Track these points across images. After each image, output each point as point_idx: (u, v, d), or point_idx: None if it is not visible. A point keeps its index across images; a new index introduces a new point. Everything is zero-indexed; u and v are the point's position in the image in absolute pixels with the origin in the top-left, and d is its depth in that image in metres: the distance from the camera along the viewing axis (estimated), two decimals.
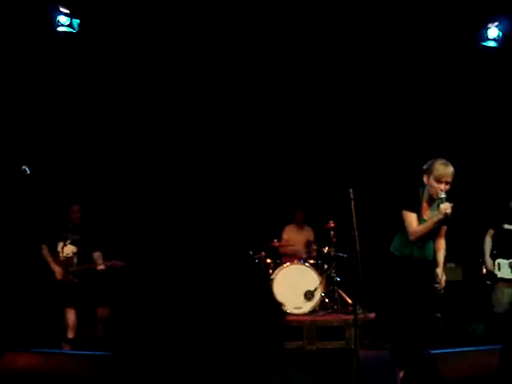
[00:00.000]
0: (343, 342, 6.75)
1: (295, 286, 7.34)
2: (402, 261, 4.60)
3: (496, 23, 7.75)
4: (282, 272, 7.43)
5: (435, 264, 4.66)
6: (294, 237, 8.32)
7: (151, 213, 7.98)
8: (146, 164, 8.14)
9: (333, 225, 7.77)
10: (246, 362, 5.00)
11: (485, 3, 7.52)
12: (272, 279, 7.40)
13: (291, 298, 7.32)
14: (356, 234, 5.02)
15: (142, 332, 6.57)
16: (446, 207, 4.26)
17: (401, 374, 4.62)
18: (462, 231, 7.96)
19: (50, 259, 6.32)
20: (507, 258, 6.14)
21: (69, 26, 7.28)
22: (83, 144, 7.97)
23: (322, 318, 7.18)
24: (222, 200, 8.18)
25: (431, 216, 4.46)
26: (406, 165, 5.10)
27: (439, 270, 4.62)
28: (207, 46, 7.81)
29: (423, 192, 4.54)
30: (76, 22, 7.32)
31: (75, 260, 6.33)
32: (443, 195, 4.33)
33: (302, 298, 7.32)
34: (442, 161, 4.42)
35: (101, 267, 6.22)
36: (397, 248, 4.67)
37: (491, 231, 6.38)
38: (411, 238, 4.49)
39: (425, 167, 4.49)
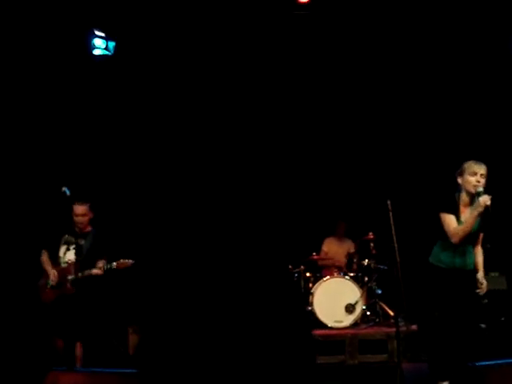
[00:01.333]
0: (386, 355, 6.65)
1: (336, 300, 7.27)
2: (443, 271, 4.57)
3: None
4: (322, 285, 7.38)
5: (476, 271, 4.61)
6: (334, 249, 8.28)
7: (179, 220, 8.00)
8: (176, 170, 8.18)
9: (372, 236, 7.71)
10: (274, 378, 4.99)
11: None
12: (312, 293, 7.36)
13: (332, 312, 7.25)
14: (396, 245, 4.97)
15: (171, 347, 6.55)
16: (486, 199, 4.29)
17: None
18: (506, 240, 7.85)
19: (47, 265, 5.79)
20: None
21: (105, 48, 7.45)
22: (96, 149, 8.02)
23: (363, 331, 7.09)
24: (263, 212, 8.19)
25: (471, 212, 4.44)
26: (441, 173, 5.06)
27: (480, 275, 4.59)
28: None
29: (459, 197, 4.56)
30: (112, 44, 7.48)
31: (76, 267, 5.61)
32: (481, 189, 4.39)
33: (343, 311, 7.24)
34: (474, 161, 4.51)
35: (96, 271, 5.62)
36: (437, 258, 4.65)
37: None
38: (453, 240, 4.47)
39: (458, 171, 4.57)
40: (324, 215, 8.42)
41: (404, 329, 6.62)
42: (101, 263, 5.70)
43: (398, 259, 4.91)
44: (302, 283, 7.75)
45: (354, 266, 7.95)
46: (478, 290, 4.55)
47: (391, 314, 7.34)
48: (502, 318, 7.46)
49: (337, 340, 6.79)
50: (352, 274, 7.64)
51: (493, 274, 7.83)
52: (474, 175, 4.45)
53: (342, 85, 8.26)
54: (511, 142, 8.26)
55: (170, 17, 7.40)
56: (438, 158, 8.10)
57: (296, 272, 7.85)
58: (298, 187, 8.48)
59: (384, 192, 5.36)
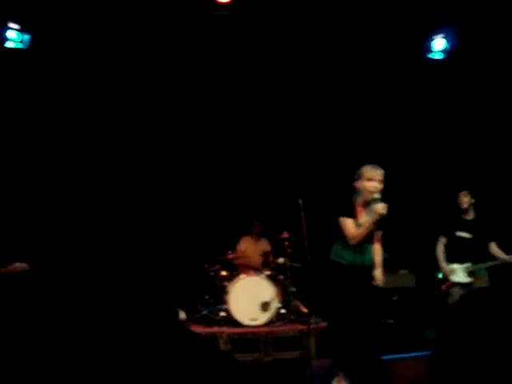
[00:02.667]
0: (300, 351, 6.78)
1: (251, 298, 7.32)
2: (344, 267, 4.73)
3: (442, 35, 7.94)
4: (237, 284, 7.42)
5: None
6: (250, 248, 8.35)
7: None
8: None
9: (287, 235, 7.81)
10: None
11: (431, 15, 7.71)
12: (228, 291, 7.39)
13: (247, 310, 7.30)
14: (306, 243, 5.07)
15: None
16: (380, 208, 4.46)
17: (342, 381, 4.70)
18: (414, 239, 8.15)
19: None
20: (461, 263, 6.30)
21: (20, 42, 7.22)
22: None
23: (278, 328, 7.18)
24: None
25: (367, 219, 4.59)
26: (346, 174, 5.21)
27: (377, 272, 4.79)
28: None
29: (357, 200, 4.70)
30: (26, 37, 7.25)
31: None
32: (377, 195, 4.53)
33: (259, 309, 7.31)
34: (370, 165, 4.67)
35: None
36: (338, 255, 4.81)
37: (443, 239, 6.56)
38: (351, 242, 4.64)
39: (355, 175, 4.70)
40: (240, 215, 8.48)
41: (316, 326, 6.77)
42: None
43: (309, 257, 5.00)
44: (218, 282, 7.76)
45: (270, 265, 8.06)
46: (376, 282, 4.77)
47: (305, 311, 7.48)
48: (410, 315, 7.74)
49: (252, 338, 6.86)
50: (267, 273, 7.71)
51: (402, 272, 8.11)
52: (371, 181, 4.59)
53: (260, 84, 8.34)
54: (428, 143, 8.61)
55: (89, 12, 7.25)
56: (347, 159, 8.34)
57: (212, 271, 7.85)
58: (214, 187, 8.50)
59: (296, 191, 5.46)
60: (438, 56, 8.02)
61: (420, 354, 4.28)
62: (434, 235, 6.84)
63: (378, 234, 4.85)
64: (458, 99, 8.29)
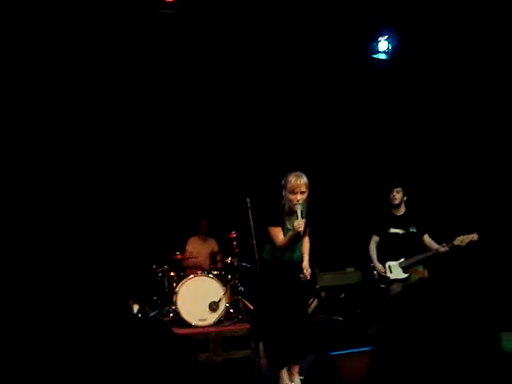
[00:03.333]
0: (249, 350, 6.79)
1: (200, 298, 7.29)
2: (274, 265, 4.93)
3: (386, 36, 8.10)
4: (185, 284, 7.38)
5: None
6: (198, 248, 8.33)
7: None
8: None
9: (235, 235, 7.82)
10: None
11: (375, 17, 7.86)
12: (176, 292, 7.34)
13: (196, 310, 7.26)
14: (254, 242, 5.09)
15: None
16: (299, 224, 4.63)
17: (282, 374, 4.83)
18: (360, 236, 8.27)
19: None
20: (396, 260, 6.39)
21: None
22: None
23: (227, 328, 7.17)
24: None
25: (290, 231, 4.80)
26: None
27: (305, 263, 4.99)
28: None
29: (284, 205, 4.86)
30: None
31: None
32: (299, 208, 4.69)
33: (207, 309, 7.28)
34: (295, 173, 4.80)
35: None
36: (269, 253, 4.99)
37: (376, 237, 6.64)
38: (279, 248, 4.88)
39: (282, 182, 4.83)
40: (187, 215, 8.44)
41: (266, 324, 6.79)
42: None
43: (257, 256, 5.02)
44: (166, 283, 7.71)
45: (218, 265, 8.05)
46: (301, 275, 4.92)
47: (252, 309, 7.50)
48: (358, 311, 7.85)
49: (201, 338, 6.83)
50: (216, 273, 7.70)
51: (349, 270, 8.24)
52: (293, 194, 4.72)
53: (206, 83, 8.33)
54: (365, 142, 8.76)
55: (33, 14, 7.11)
56: (290, 157, 8.44)
57: (160, 272, 7.79)
58: (161, 187, 8.43)
59: (243, 190, 5.47)
60: (382, 57, 8.18)
61: (366, 349, 4.35)
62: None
63: (307, 231, 5.05)
64: (399, 98, 8.48)
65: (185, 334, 6.83)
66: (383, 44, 8.12)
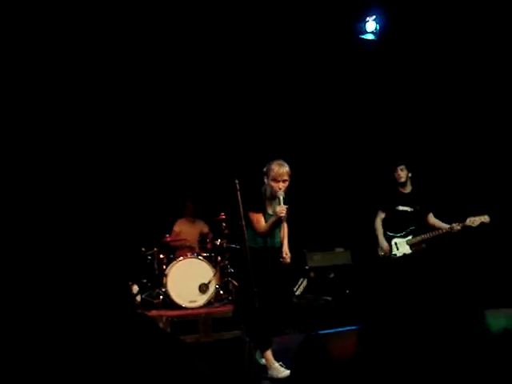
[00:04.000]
0: (239, 331, 6.82)
1: (189, 280, 7.31)
2: (256, 251, 5.01)
3: (374, 16, 8.06)
4: (175, 266, 7.40)
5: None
6: (186, 230, 8.31)
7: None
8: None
9: (224, 216, 7.83)
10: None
11: None
12: (166, 274, 7.35)
13: (186, 292, 7.29)
14: (244, 223, 5.09)
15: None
16: (281, 210, 4.77)
17: (266, 354, 4.90)
18: (348, 217, 8.31)
19: None
20: (403, 237, 6.41)
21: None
22: None
23: (217, 309, 7.21)
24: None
25: (271, 218, 4.92)
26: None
27: (284, 248, 5.18)
28: None
29: (265, 191, 4.99)
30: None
31: None
32: (281, 195, 4.82)
33: (197, 291, 7.31)
34: (278, 161, 4.92)
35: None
36: (251, 240, 5.05)
37: (382, 214, 6.62)
38: (259, 234, 4.98)
39: (264, 170, 4.97)
40: (175, 197, 8.42)
41: (256, 305, 6.82)
42: None
43: (247, 237, 5.02)
44: (156, 265, 7.72)
45: (208, 246, 8.06)
46: (281, 259, 5.11)
47: None
48: (347, 291, 7.90)
49: (191, 320, 6.86)
50: (205, 254, 7.72)
51: (338, 250, 8.26)
52: (276, 182, 4.84)
53: (195, 67, 8.29)
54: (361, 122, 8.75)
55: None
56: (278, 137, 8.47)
57: (149, 254, 7.80)
58: (149, 170, 8.40)
59: (232, 171, 5.47)
60: (370, 37, 8.14)
61: (355, 327, 4.38)
62: (368, 212, 6.95)
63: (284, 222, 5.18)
64: (391, 77, 8.45)
65: (175, 316, 6.87)
66: (371, 24, 8.07)
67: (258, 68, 8.40)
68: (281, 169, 4.85)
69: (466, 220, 6.02)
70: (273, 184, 4.85)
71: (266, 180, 4.96)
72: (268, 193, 4.98)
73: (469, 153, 7.66)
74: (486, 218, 5.96)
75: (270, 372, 4.87)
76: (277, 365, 4.88)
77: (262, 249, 5.04)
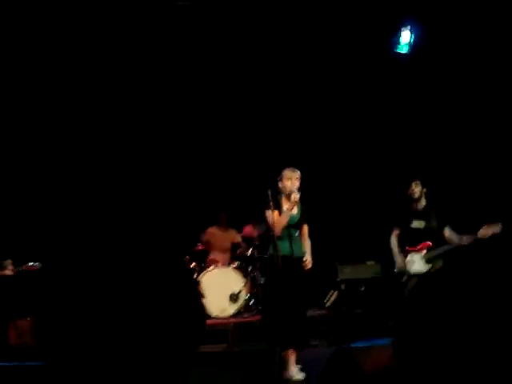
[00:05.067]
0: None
1: (220, 289, 7.35)
2: (275, 258, 5.23)
3: (408, 28, 8.02)
4: (206, 275, 7.45)
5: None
6: (217, 239, 8.30)
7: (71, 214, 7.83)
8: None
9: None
10: (158, 363, 5.08)
11: (397, 9, 7.81)
12: (197, 282, 7.39)
13: (216, 301, 7.33)
14: (274, 234, 5.12)
15: (74, 338, 6.41)
16: (295, 196, 5.23)
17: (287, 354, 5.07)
18: (379, 229, 8.25)
19: None
20: (418, 252, 6.34)
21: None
22: None
23: (246, 319, 7.23)
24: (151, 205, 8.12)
25: (287, 208, 5.30)
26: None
27: (307, 256, 5.44)
28: None
29: (281, 198, 5.42)
30: None
31: None
32: (294, 188, 5.30)
33: (227, 300, 7.35)
34: (290, 168, 5.45)
35: (9, 272, 6.02)
36: (271, 248, 5.39)
37: (396, 231, 6.57)
38: (275, 230, 5.27)
39: (278, 178, 5.47)
40: (207, 206, 8.46)
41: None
42: (9, 265, 6.12)
43: (279, 248, 5.04)
44: None
45: (238, 256, 8.07)
46: (303, 263, 5.37)
47: None
48: (378, 304, 7.84)
49: (221, 329, 6.88)
50: (236, 264, 7.74)
51: (369, 263, 8.21)
52: (289, 180, 5.37)
53: (224, 75, 8.34)
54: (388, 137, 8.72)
55: None
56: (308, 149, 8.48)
57: None
58: (181, 178, 8.47)
59: (264, 182, 5.51)
60: (404, 50, 8.09)
61: (386, 341, 4.37)
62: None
63: (305, 229, 5.55)
64: (413, 92, 8.42)
65: (206, 325, 6.89)
66: (406, 35, 8.02)
67: (287, 80, 8.43)
68: (292, 171, 5.41)
69: (478, 232, 5.94)
70: (287, 183, 5.37)
71: (280, 184, 5.44)
72: (283, 196, 5.42)
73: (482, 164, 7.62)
74: (497, 229, 5.86)
75: (285, 373, 5.04)
76: (294, 367, 5.05)
77: (284, 257, 5.23)
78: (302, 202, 5.39)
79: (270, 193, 5.21)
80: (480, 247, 6.10)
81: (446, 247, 6.17)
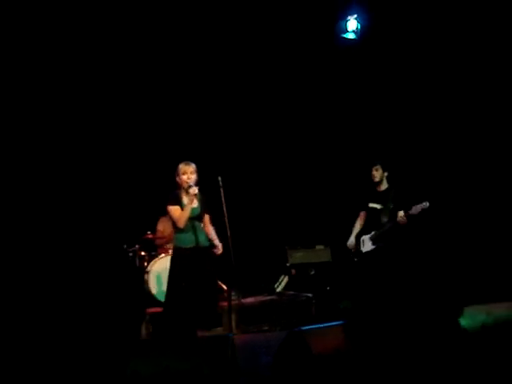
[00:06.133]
0: (220, 328, 6.83)
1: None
2: (184, 249, 5.71)
3: (355, 15, 8.10)
4: (157, 263, 7.40)
5: (213, 245, 5.89)
6: (169, 228, 8.27)
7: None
8: None
9: None
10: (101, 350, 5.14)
11: None
12: (147, 271, 7.35)
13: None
14: (226, 220, 5.13)
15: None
16: (193, 190, 5.49)
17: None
18: (329, 214, 8.38)
19: None
20: (369, 233, 6.48)
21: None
22: None
23: None
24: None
25: (187, 202, 5.60)
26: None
27: (216, 242, 5.87)
28: None
29: (180, 190, 5.69)
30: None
31: None
32: (192, 183, 5.55)
33: None
34: (184, 162, 5.71)
35: None
36: (178, 241, 5.78)
37: (361, 213, 6.71)
38: (178, 224, 5.63)
39: (175, 173, 5.69)
40: (158, 195, 8.39)
41: (237, 302, 6.86)
42: None
43: (229, 234, 5.07)
44: (137, 262, 7.71)
45: None
46: (215, 250, 5.86)
47: (224, 288, 7.54)
48: (328, 288, 7.97)
49: None
50: None
51: (318, 247, 8.32)
52: (185, 174, 5.61)
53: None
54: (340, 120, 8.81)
55: None
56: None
57: (131, 251, 7.78)
58: (133, 166, 8.38)
59: (214, 169, 5.53)
60: (351, 36, 8.17)
61: (336, 323, 4.44)
62: (348, 210, 7.03)
63: (207, 218, 5.88)
64: (370, 76, 8.52)
65: (156, 313, 6.86)
66: (352, 23, 8.10)
67: (242, 68, 8.42)
68: (186, 165, 5.65)
69: (410, 209, 6.10)
70: (183, 177, 5.60)
71: (177, 179, 5.67)
72: (182, 191, 5.66)
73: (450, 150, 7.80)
74: (425, 205, 6.03)
75: None
76: None
77: (189, 248, 5.67)
78: (202, 192, 5.63)
79: (220, 179, 5.23)
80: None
81: (386, 227, 6.32)
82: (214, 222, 7.61)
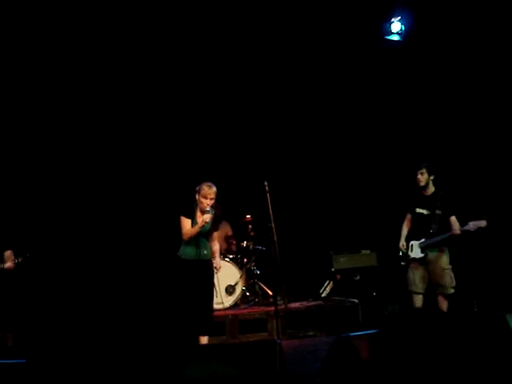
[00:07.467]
0: (265, 333, 6.83)
1: (216, 282, 7.33)
2: (187, 262, 5.76)
3: (399, 17, 8.03)
4: None
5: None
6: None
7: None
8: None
9: (250, 218, 7.85)
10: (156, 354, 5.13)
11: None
12: None
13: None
14: (273, 225, 5.12)
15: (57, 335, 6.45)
16: (206, 218, 5.56)
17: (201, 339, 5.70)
18: (374, 219, 8.28)
19: None
20: (418, 239, 6.36)
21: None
22: None
23: (243, 311, 7.23)
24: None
25: (199, 223, 5.64)
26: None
27: (216, 260, 6.02)
28: None
29: (197, 205, 5.73)
30: None
31: None
32: (208, 209, 5.60)
33: (224, 293, 7.32)
34: (208, 183, 5.66)
35: (7, 265, 5.90)
36: (182, 252, 5.81)
37: (408, 216, 6.60)
38: (183, 237, 5.73)
39: (196, 188, 5.67)
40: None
41: (283, 307, 6.84)
42: (9, 256, 5.98)
43: (276, 239, 5.05)
44: None
45: (233, 248, 8.08)
46: (215, 266, 6.00)
47: (270, 293, 7.54)
48: (373, 293, 7.87)
49: (218, 321, 6.86)
50: (231, 256, 7.75)
51: (364, 252, 8.22)
52: (205, 198, 5.61)
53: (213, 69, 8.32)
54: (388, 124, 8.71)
55: None
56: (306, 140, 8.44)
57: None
58: (176, 170, 8.43)
59: (260, 174, 5.51)
60: (395, 38, 8.10)
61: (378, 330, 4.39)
62: (394, 214, 6.92)
63: (214, 234, 5.95)
64: (415, 78, 8.41)
65: None
66: (396, 25, 8.04)
67: (280, 69, 8.40)
68: (209, 189, 5.60)
69: (466, 224, 5.98)
70: (202, 200, 5.61)
71: (196, 197, 5.67)
72: (198, 207, 5.71)
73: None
74: (483, 223, 5.90)
75: None
76: None
77: (191, 260, 5.73)
78: (217, 207, 5.70)
79: (266, 184, 5.21)
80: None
81: (438, 237, 6.19)
82: (259, 227, 7.68)
